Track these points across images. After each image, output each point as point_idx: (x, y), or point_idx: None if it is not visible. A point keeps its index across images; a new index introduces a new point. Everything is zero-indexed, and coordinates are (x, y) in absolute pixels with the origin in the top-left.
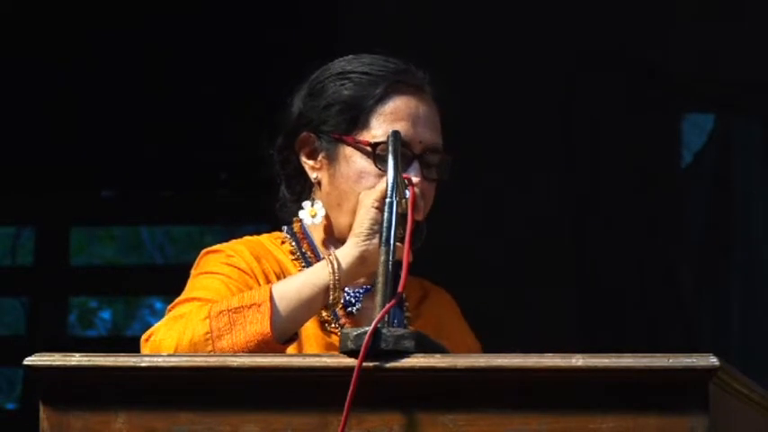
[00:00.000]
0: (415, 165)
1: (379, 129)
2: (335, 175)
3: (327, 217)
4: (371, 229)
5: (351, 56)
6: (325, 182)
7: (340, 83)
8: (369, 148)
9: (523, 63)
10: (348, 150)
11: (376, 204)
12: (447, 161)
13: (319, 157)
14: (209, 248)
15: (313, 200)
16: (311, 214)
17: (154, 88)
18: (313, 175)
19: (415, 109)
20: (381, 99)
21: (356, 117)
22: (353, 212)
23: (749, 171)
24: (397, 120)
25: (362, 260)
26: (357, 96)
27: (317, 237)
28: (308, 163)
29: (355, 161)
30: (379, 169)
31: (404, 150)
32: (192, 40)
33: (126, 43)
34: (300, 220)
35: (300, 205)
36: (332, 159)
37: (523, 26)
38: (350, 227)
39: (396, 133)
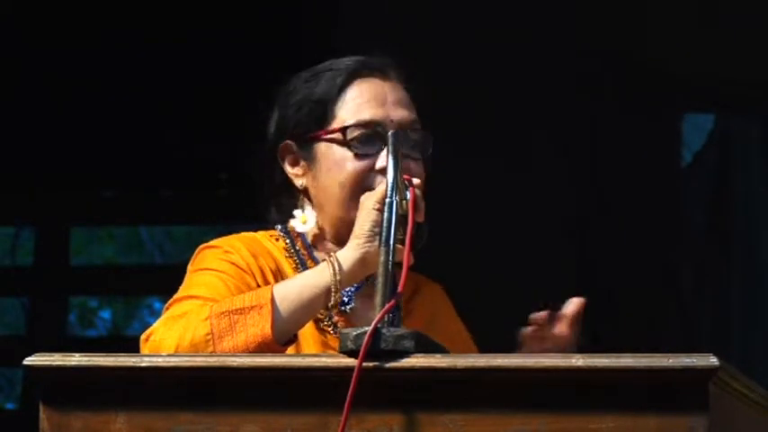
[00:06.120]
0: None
1: (346, 115)
2: (317, 175)
3: (317, 220)
4: (372, 231)
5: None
6: (310, 185)
7: (306, 86)
8: (339, 135)
9: (523, 63)
10: (323, 146)
11: (377, 206)
12: (428, 137)
13: (301, 163)
14: (207, 244)
15: (303, 207)
16: (302, 221)
17: (154, 88)
18: (298, 183)
19: (379, 90)
20: (342, 88)
21: (324, 112)
22: (341, 205)
23: (749, 171)
24: (363, 102)
25: (363, 262)
26: (321, 93)
27: (311, 239)
28: (292, 172)
29: (331, 153)
30: (354, 154)
31: (379, 130)
32: (192, 40)
33: (126, 43)
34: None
35: (291, 215)
36: (311, 161)
37: (524, 26)
38: (341, 220)
39: (395, 134)
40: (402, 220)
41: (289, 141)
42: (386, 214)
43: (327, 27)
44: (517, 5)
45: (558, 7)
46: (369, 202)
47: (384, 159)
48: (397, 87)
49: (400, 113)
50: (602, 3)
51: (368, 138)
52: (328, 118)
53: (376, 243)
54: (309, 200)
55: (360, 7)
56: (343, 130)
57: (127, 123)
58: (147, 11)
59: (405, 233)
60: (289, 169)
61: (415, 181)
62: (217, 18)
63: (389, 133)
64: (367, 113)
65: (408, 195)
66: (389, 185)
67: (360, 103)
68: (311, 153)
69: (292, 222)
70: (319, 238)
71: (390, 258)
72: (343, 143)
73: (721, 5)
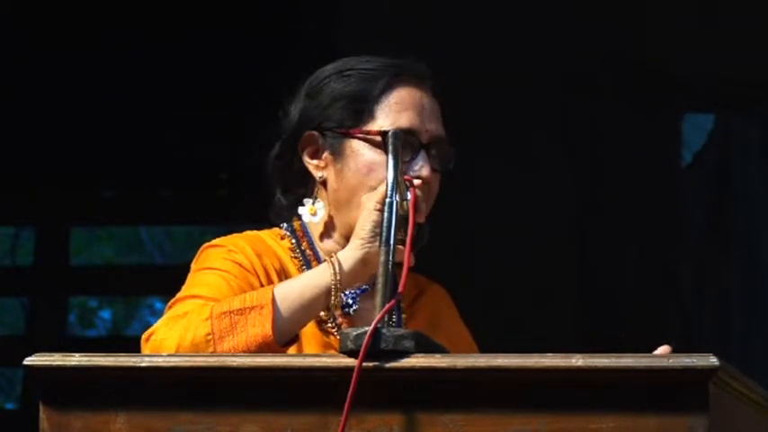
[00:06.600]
0: (422, 154)
1: (385, 119)
2: (343, 170)
3: (330, 215)
4: (373, 231)
5: (348, 57)
6: (331, 179)
7: (341, 79)
8: (378, 138)
9: (524, 63)
10: (355, 144)
11: (378, 207)
12: (451, 152)
13: (324, 156)
14: (211, 243)
15: (315, 198)
16: (311, 212)
17: (154, 88)
18: (318, 174)
19: (419, 99)
20: (385, 90)
21: (361, 110)
22: None
23: (749, 171)
24: (403, 110)
25: (364, 262)
26: (360, 90)
27: (317, 234)
28: (311, 163)
29: (364, 153)
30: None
31: (411, 139)
32: (192, 40)
33: (126, 43)
34: (300, 219)
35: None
36: (338, 156)
37: (524, 26)
38: None
39: (396, 133)
40: (402, 220)
41: (313, 132)
42: (386, 214)
43: (327, 27)
44: (517, 5)
45: (558, 7)
46: (370, 202)
47: (420, 168)
48: (433, 98)
49: (434, 125)
50: (602, 3)
51: (403, 145)
52: (365, 117)
53: (377, 243)
54: (326, 192)
55: (360, 7)
56: (384, 133)
57: (127, 123)
58: (147, 11)
59: (406, 233)
60: (308, 160)
61: (416, 182)
62: (217, 18)
63: (389, 133)
64: (406, 121)
65: (409, 195)
66: (389, 185)
67: (401, 108)
68: (339, 148)
69: (300, 209)
70: (326, 233)
71: (390, 258)
72: (379, 146)
73: (721, 5)
